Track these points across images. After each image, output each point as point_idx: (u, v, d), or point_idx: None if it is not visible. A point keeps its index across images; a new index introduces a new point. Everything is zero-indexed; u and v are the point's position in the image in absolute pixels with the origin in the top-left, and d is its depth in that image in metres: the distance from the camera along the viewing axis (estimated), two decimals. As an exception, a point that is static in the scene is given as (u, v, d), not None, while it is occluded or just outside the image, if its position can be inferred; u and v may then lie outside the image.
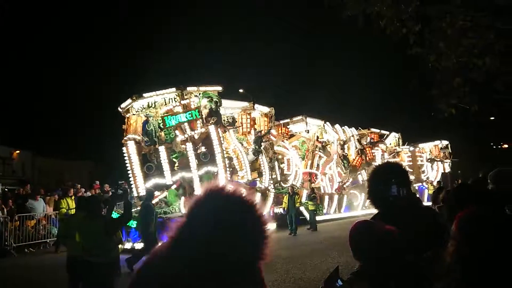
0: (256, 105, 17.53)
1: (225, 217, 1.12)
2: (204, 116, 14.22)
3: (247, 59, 75.68)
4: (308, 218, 17.24)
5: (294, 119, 20.77)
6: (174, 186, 14.37)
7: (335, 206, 21.17)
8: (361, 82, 65.35)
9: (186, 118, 13.85)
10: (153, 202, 12.69)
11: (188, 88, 14.49)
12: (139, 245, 11.47)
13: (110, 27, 64.78)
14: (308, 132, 20.97)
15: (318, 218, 17.32)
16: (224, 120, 15.76)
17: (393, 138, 28.45)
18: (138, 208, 13.04)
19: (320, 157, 20.97)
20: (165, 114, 14.06)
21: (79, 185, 14.61)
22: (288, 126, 20.79)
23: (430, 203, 6.70)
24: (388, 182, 2.53)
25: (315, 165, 20.79)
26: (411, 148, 28.70)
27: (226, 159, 14.46)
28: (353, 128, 24.31)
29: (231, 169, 15.26)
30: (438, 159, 30.02)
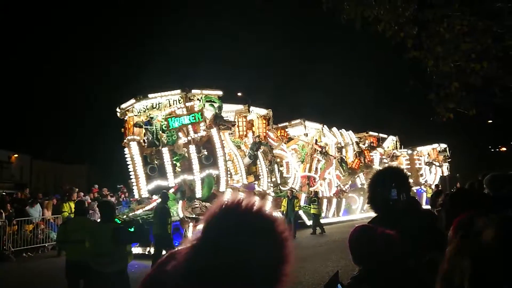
0: (253, 108, 17.53)
1: (241, 240, 0.99)
2: (206, 120, 14.24)
3: (245, 59, 75.99)
4: (307, 222, 17.19)
5: (293, 122, 20.71)
6: (172, 190, 14.33)
7: (334, 210, 21.16)
8: (359, 84, 65.55)
9: (190, 120, 13.85)
10: (151, 206, 12.65)
11: (193, 91, 14.49)
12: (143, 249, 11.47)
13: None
14: (306, 136, 20.99)
15: (317, 221, 17.25)
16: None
17: (391, 141, 28.48)
18: (136, 212, 13.02)
19: (318, 160, 20.97)
20: (169, 116, 14.06)
21: (76, 189, 14.56)
22: (286, 130, 20.79)
23: (429, 206, 6.72)
24: (388, 186, 2.54)
25: (314, 169, 20.78)
26: (409, 152, 28.69)
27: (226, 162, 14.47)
28: (350, 131, 24.33)
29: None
30: (437, 163, 30.00)
